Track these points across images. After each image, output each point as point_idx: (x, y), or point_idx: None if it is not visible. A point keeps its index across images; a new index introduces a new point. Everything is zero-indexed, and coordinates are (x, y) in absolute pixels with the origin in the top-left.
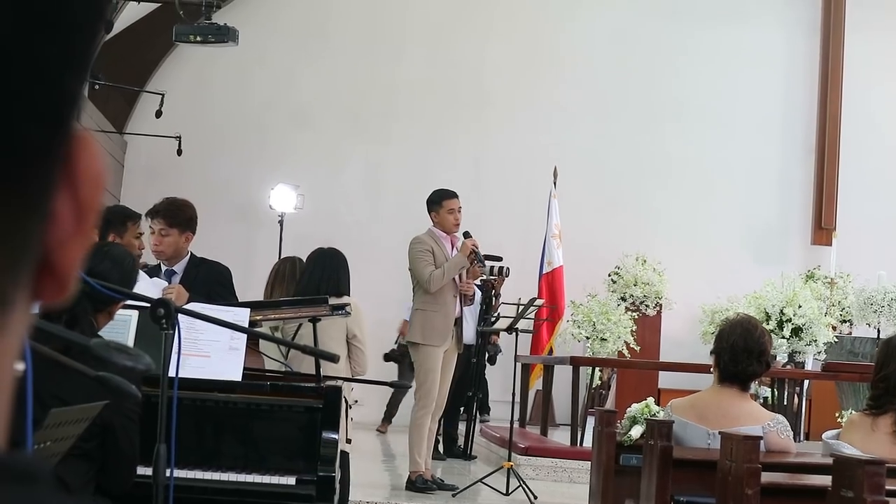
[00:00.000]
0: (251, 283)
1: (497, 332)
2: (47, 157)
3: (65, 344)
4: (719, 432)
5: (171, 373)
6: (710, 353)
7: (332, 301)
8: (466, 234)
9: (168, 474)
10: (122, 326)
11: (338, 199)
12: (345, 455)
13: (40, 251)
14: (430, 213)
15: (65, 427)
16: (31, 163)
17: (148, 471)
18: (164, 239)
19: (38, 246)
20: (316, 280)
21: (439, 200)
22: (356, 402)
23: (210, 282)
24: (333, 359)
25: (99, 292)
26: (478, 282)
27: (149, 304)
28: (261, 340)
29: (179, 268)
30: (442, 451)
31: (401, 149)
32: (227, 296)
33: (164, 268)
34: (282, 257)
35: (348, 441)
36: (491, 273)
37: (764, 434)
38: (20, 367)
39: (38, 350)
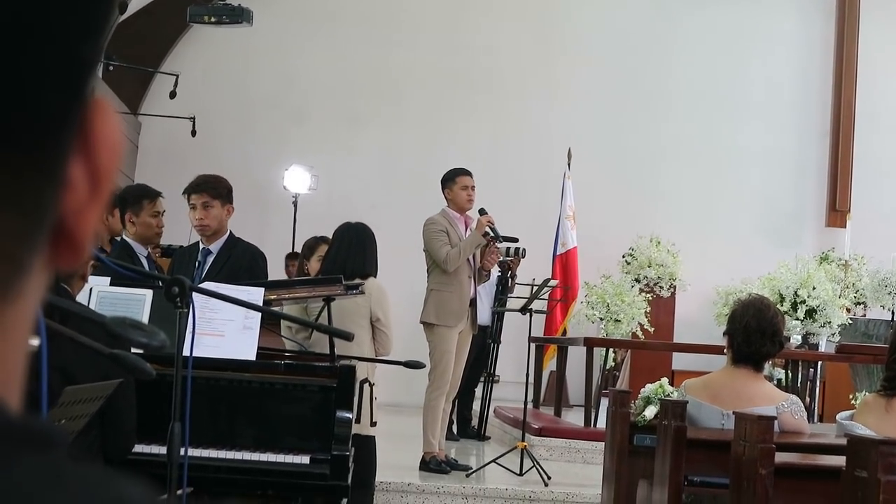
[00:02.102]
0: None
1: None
2: (63, 123)
3: (63, 317)
4: (733, 412)
5: (186, 352)
6: (724, 333)
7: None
8: (482, 211)
9: (182, 453)
10: (137, 305)
11: (352, 180)
12: (370, 439)
13: (56, 218)
14: (443, 190)
15: (79, 405)
16: (46, 129)
17: (162, 449)
18: (208, 212)
19: (53, 212)
20: (342, 258)
21: (453, 177)
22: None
23: (240, 266)
24: (348, 337)
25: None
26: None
27: (162, 282)
28: (283, 324)
29: (216, 247)
30: (456, 432)
31: (414, 131)
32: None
33: (201, 246)
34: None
35: (373, 424)
36: (507, 254)
37: (778, 414)
38: (34, 342)
39: (51, 327)
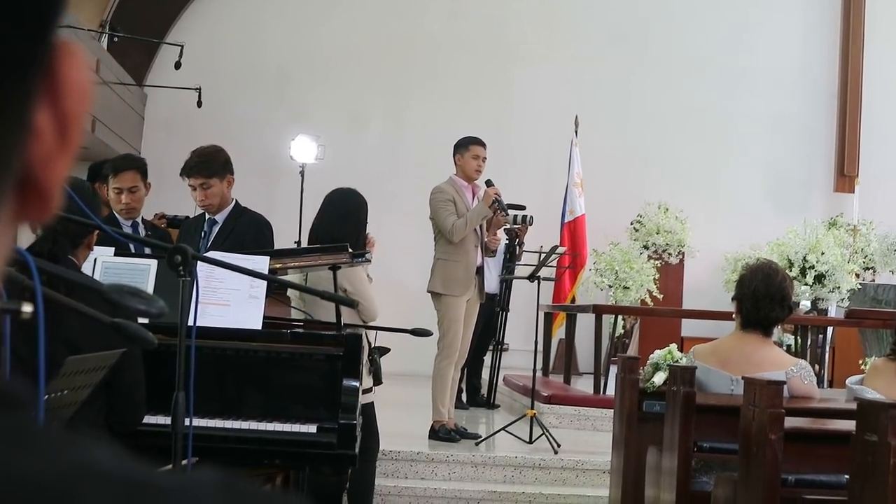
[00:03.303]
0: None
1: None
2: (28, 67)
3: (69, 288)
4: (742, 378)
5: (190, 322)
6: (732, 299)
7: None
8: (489, 183)
9: (187, 423)
10: (142, 275)
11: (358, 150)
12: (367, 406)
13: (22, 168)
14: (454, 155)
15: (82, 375)
16: (10, 73)
17: (167, 420)
18: (208, 192)
19: (19, 162)
20: (324, 227)
21: (467, 144)
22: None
23: (246, 235)
24: (352, 304)
25: (81, 225)
26: (502, 231)
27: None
28: (292, 295)
29: (221, 217)
30: (465, 401)
31: (421, 100)
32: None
33: (206, 217)
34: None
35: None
36: (514, 222)
37: (787, 379)
38: (27, 309)
39: (51, 296)
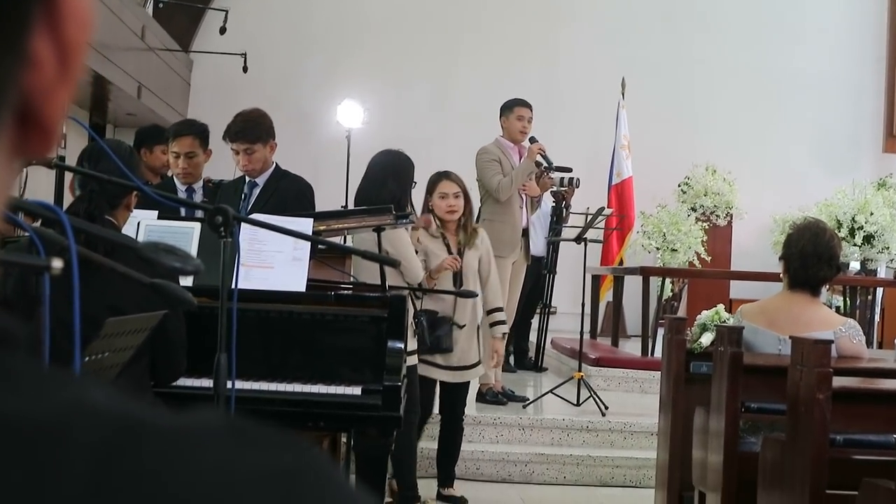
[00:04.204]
0: (320, 198)
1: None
2: None
3: (108, 250)
4: (790, 337)
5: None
6: (779, 258)
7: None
8: (532, 140)
9: (229, 386)
10: (185, 238)
11: (405, 115)
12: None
13: (20, 99)
14: (500, 118)
15: (122, 337)
16: None
17: (210, 383)
18: (251, 157)
19: (17, 93)
20: (366, 188)
21: (512, 106)
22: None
23: (287, 197)
24: (394, 263)
25: (116, 186)
26: (548, 193)
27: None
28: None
29: (262, 179)
30: (513, 364)
31: (467, 63)
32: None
33: (247, 179)
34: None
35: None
36: (561, 184)
37: (836, 339)
38: (57, 265)
39: (86, 256)
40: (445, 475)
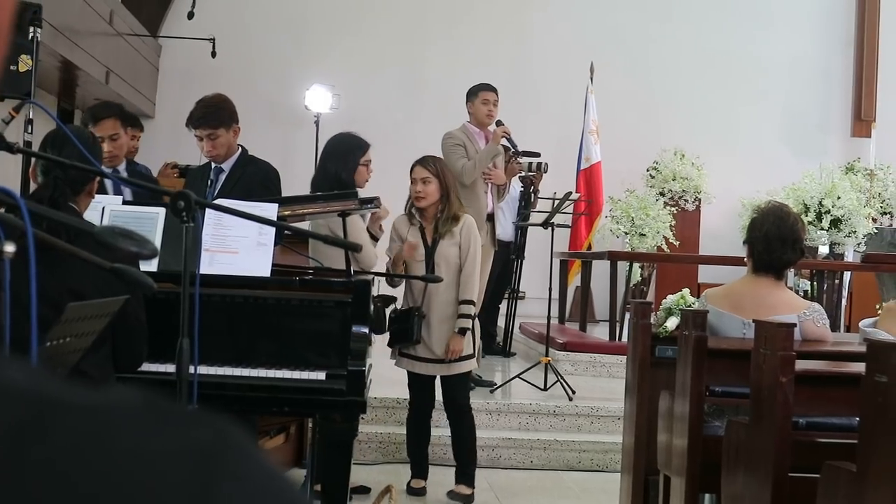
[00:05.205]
0: (288, 183)
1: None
2: None
3: (70, 236)
4: (753, 321)
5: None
6: (743, 242)
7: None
8: (498, 123)
9: (192, 371)
10: (150, 223)
11: (374, 99)
12: None
13: None
14: (467, 103)
15: (84, 322)
16: None
17: (173, 367)
18: (215, 142)
19: None
20: (317, 171)
21: (477, 91)
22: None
23: (253, 183)
24: (356, 248)
25: (80, 171)
26: (517, 178)
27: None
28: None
29: (227, 165)
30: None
31: (436, 46)
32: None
33: (213, 165)
34: None
35: None
36: (529, 169)
37: (800, 322)
38: (10, 249)
39: (47, 241)
40: (459, 470)
